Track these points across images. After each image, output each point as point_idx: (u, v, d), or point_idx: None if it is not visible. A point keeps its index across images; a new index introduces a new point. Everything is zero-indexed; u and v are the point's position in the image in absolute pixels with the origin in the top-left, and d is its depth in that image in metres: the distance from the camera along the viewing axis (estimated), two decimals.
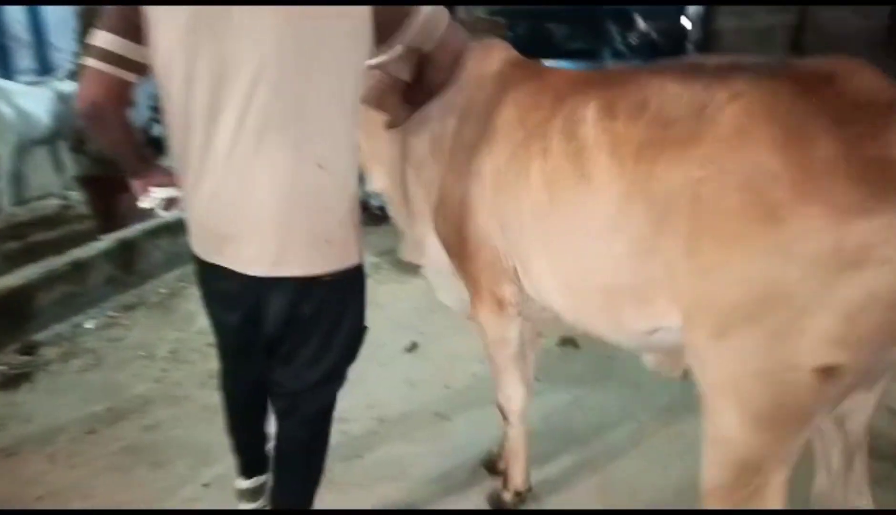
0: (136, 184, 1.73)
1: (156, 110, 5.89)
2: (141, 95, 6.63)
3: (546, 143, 1.62)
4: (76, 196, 4.81)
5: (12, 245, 4.54)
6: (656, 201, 1.37)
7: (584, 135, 1.51)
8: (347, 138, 1.59)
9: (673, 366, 1.68)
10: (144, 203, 1.74)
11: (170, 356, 3.36)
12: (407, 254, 2.29)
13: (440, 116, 1.92)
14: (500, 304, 1.88)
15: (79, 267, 3.81)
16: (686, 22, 9.47)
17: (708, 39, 7.98)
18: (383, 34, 1.59)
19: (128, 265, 4.10)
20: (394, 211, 2.26)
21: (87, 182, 4.50)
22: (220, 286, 1.70)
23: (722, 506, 1.41)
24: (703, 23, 9.10)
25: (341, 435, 2.67)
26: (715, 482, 1.40)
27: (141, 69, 1.52)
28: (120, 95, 1.53)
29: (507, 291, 1.85)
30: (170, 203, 1.73)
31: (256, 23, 1.43)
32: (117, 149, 1.66)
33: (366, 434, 2.69)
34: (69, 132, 4.63)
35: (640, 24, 8.61)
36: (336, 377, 1.80)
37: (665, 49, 8.34)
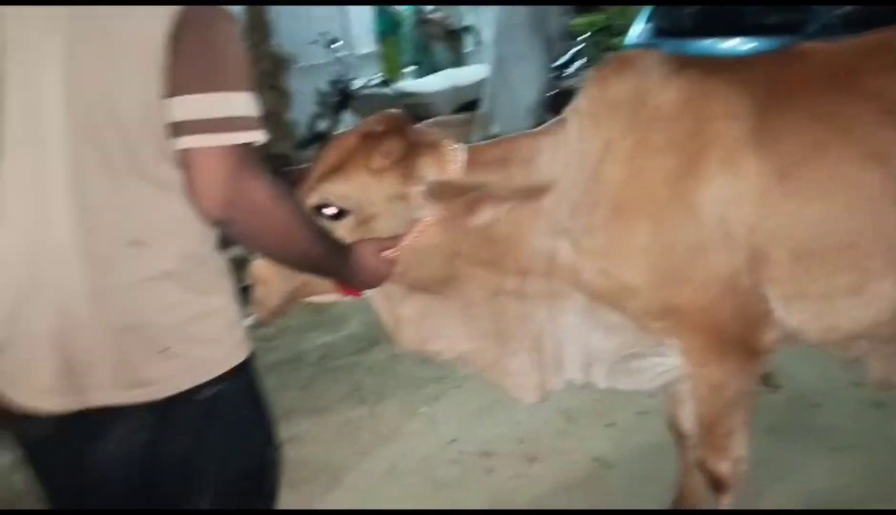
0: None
1: (322, 104, 5.94)
2: (306, 88, 6.77)
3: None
4: None
5: None
6: None
7: None
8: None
9: None
10: None
11: (317, 363, 3.26)
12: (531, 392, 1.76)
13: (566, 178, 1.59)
14: (754, 353, 1.61)
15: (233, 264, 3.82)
16: None
17: None
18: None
19: None
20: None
21: None
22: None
23: None
24: None
25: (485, 473, 2.39)
26: None
27: None
28: None
29: (768, 337, 1.60)
30: None
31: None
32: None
33: (514, 476, 2.37)
34: None
35: None
36: None
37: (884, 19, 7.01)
